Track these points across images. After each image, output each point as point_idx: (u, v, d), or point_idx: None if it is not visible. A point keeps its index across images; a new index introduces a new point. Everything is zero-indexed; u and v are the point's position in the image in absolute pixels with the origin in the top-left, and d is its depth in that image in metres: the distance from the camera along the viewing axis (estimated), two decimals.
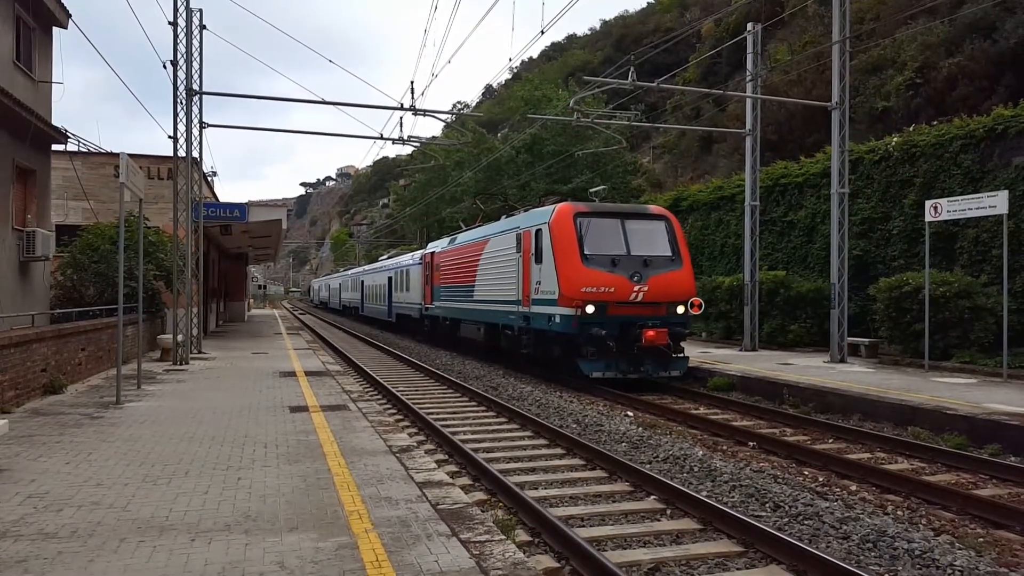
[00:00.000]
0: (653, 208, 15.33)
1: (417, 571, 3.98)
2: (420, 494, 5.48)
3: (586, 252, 13.36)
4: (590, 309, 12.90)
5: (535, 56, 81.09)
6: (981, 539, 5.81)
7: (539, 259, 14.20)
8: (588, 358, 13.06)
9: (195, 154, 16.55)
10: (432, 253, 23.90)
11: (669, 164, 42.04)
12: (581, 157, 30.47)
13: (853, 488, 7.25)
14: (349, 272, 53.18)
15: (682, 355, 13.62)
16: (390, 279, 32.25)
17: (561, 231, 13.64)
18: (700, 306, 13.87)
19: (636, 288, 13.18)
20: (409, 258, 29.42)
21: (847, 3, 15.39)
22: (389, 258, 37.04)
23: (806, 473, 7.87)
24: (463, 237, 21.03)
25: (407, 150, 75.34)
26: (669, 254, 13.91)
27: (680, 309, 13.56)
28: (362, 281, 42.54)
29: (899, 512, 6.47)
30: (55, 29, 16.26)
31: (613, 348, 12.87)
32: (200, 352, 17.14)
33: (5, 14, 13.92)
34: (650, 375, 13.33)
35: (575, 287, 13.04)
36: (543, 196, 18.43)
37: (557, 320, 13.42)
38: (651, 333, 12.88)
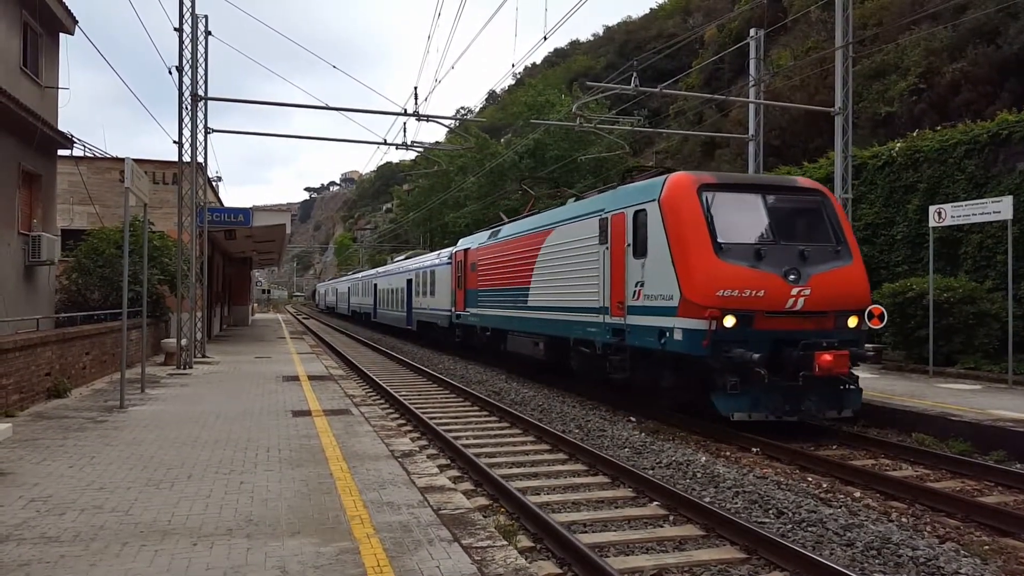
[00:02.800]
0: (802, 180, 11.25)
1: None
2: (422, 499, 5.48)
3: (719, 240, 9.58)
4: (730, 321, 9.20)
5: (538, 62, 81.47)
6: (986, 547, 5.78)
7: (641, 251, 10.57)
8: (727, 391, 9.21)
9: (200, 159, 16.62)
10: (466, 250, 20.39)
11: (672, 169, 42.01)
12: (584, 162, 30.55)
13: (857, 495, 7.22)
14: (359, 275, 48.90)
15: (854, 386, 9.64)
16: (410, 282, 28.73)
17: (680, 211, 9.88)
18: (882, 317, 10.65)
19: (795, 291, 9.38)
20: (435, 257, 25.79)
21: (850, 8, 15.41)
22: (407, 258, 33.10)
23: (809, 479, 7.84)
24: (510, 229, 17.23)
25: (411, 155, 75.46)
26: (833, 243, 10.11)
27: (852, 321, 9.73)
28: (375, 284, 38.74)
29: (903, 519, 6.44)
30: (62, 35, 16.37)
31: (765, 377, 9.00)
32: (204, 356, 17.17)
33: (12, 20, 14.02)
34: (814, 416, 9.61)
35: (707, 290, 9.32)
36: (628, 171, 14.33)
37: (677, 337, 9.64)
38: (828, 357, 8.94)
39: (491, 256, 18.02)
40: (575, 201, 14.36)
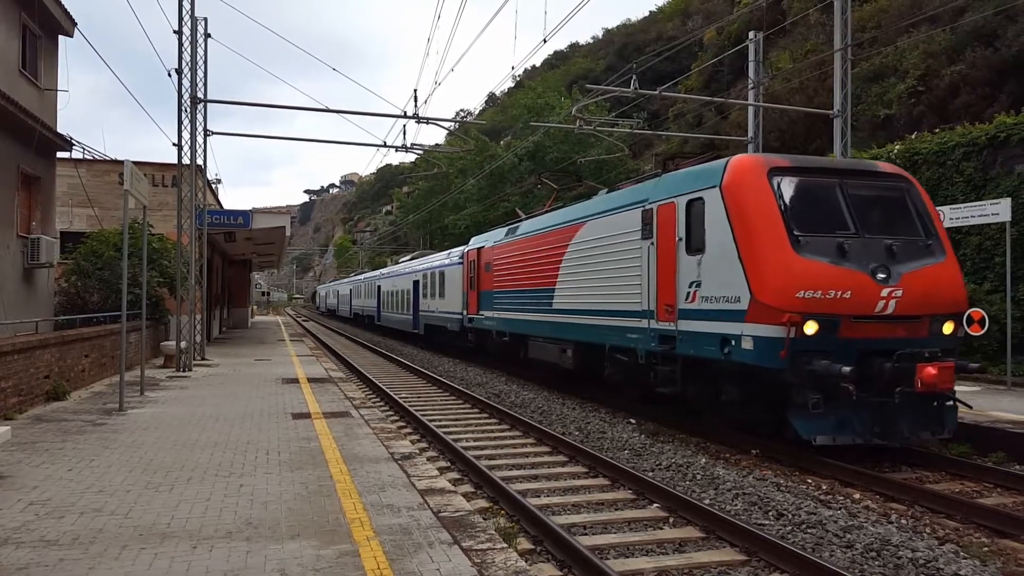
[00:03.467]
0: (883, 165, 9.91)
1: None
2: (422, 501, 5.47)
3: (796, 233, 8.22)
4: (811, 328, 7.87)
5: (538, 64, 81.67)
6: (986, 548, 5.78)
7: (697, 246, 9.20)
8: (809, 412, 7.87)
9: (199, 161, 16.63)
10: (479, 249, 19.11)
11: None
12: (583, 164, 30.56)
13: (857, 496, 7.22)
14: (362, 276, 47.29)
15: (951, 402, 8.35)
16: (416, 283, 27.42)
17: (748, 198, 8.54)
18: (983, 322, 9.43)
19: (885, 292, 8.07)
20: (444, 257, 24.50)
21: (849, 11, 15.45)
22: (412, 259, 31.87)
23: (809, 481, 7.84)
24: (531, 225, 15.94)
25: (410, 158, 75.66)
26: (922, 236, 8.78)
27: (948, 327, 8.44)
28: (379, 286, 37.08)
29: (903, 521, 6.44)
30: (61, 37, 16.38)
31: (854, 394, 7.73)
32: (203, 359, 17.16)
33: (11, 23, 14.03)
34: (907, 439, 8.28)
35: (785, 291, 7.99)
36: (670, 158, 12.38)
37: (745, 345, 8.29)
38: (932, 371, 7.70)
39: (509, 255, 16.70)
40: (608, 192, 13.00)
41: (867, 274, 8.10)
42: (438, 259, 25.32)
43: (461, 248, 22.40)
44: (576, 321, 12.88)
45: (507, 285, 16.70)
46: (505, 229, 17.74)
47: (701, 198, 9.22)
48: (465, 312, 20.26)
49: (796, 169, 8.88)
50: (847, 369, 7.56)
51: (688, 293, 9.37)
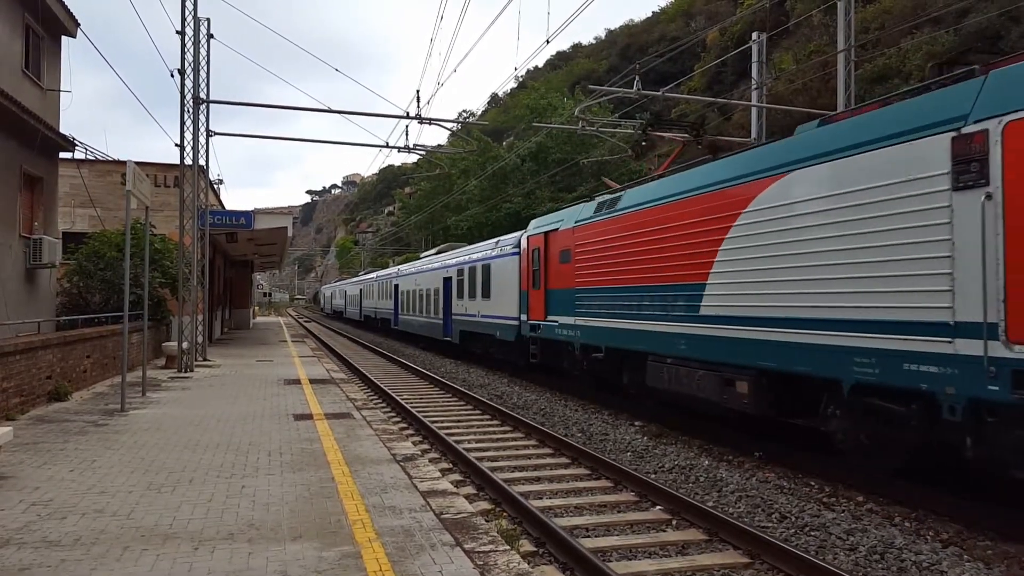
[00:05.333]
0: None
1: None
2: (424, 503, 5.46)
3: None
4: None
5: (540, 65, 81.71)
6: (990, 551, 5.76)
7: None
8: None
9: (201, 162, 16.65)
10: (547, 234, 14.70)
11: None
12: (586, 165, 30.60)
13: (860, 499, 7.19)
14: (374, 275, 42.29)
15: None
16: (448, 280, 23.06)
17: None
18: None
19: None
20: (489, 247, 19.62)
21: (852, 12, 15.44)
22: (440, 251, 27.42)
23: (812, 484, 7.81)
24: (647, 192, 11.10)
25: (413, 158, 75.74)
26: None
27: None
28: (396, 285, 32.42)
29: (907, 524, 6.42)
30: (64, 38, 16.40)
31: None
32: (205, 359, 17.16)
33: (14, 23, 14.04)
34: None
35: None
36: (944, 64, 7.12)
37: None
38: None
39: (605, 238, 12.12)
40: (821, 125, 8.03)
41: None
42: (480, 250, 20.59)
43: (513, 235, 18.09)
44: (762, 336, 8.17)
45: (602, 280, 12.21)
46: (594, 203, 13.04)
47: None
48: (525, 317, 15.82)
49: None
50: None
51: None
